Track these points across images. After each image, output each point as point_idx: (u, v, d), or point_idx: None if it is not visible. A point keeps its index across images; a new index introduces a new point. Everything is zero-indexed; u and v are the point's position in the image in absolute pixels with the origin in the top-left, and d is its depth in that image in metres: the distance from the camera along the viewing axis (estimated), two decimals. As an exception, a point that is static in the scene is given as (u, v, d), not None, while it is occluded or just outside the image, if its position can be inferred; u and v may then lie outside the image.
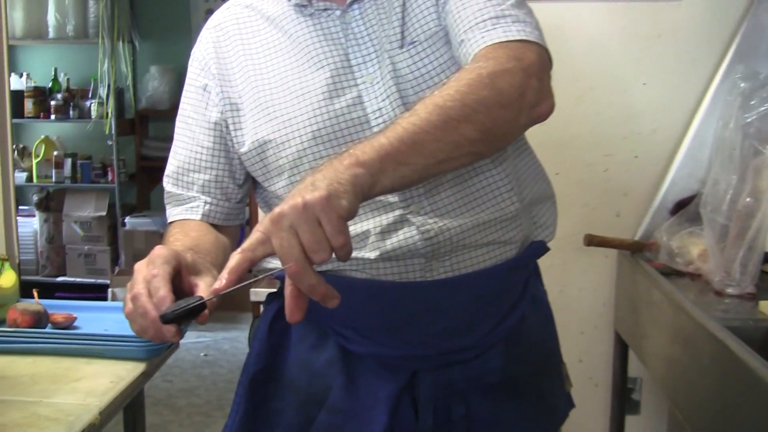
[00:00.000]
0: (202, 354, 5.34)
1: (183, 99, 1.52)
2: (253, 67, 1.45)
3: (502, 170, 1.44)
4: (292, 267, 1.01)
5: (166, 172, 1.52)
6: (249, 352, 1.57)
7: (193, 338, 5.54)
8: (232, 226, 1.54)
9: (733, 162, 2.43)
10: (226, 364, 5.18)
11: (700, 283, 2.45)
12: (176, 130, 1.53)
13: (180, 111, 1.52)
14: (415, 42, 1.38)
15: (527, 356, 1.53)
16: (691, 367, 2.11)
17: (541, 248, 1.55)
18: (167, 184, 1.52)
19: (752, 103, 2.46)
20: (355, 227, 1.38)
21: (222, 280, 1.08)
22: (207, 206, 1.49)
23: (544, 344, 1.60)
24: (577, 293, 3.06)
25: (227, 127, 1.47)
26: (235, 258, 1.08)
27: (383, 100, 1.38)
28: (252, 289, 3.55)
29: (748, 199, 2.34)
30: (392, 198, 1.38)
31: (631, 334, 2.77)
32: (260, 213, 1.70)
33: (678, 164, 2.84)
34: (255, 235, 1.07)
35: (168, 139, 6.39)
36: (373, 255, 1.38)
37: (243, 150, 1.45)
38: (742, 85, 2.53)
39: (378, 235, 1.38)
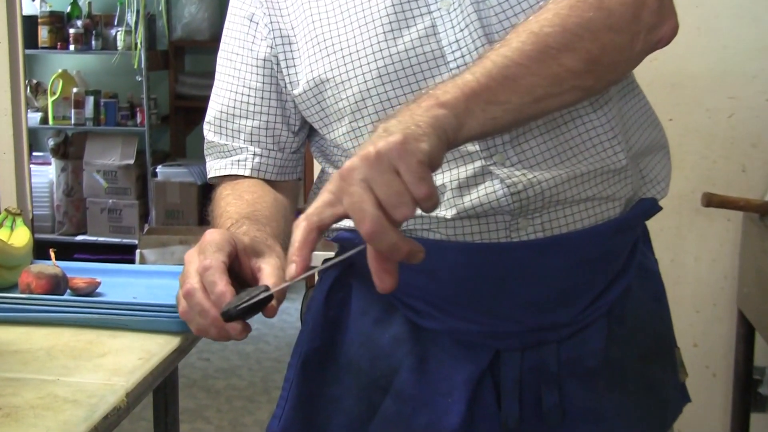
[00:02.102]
0: (244, 328, 5.41)
1: (226, 31, 1.53)
2: None
3: (603, 114, 1.42)
4: (367, 226, 1.01)
5: (207, 118, 1.53)
6: (301, 329, 1.57)
7: (234, 310, 5.60)
8: (289, 181, 1.55)
9: None
10: (273, 341, 5.24)
11: None
12: (218, 68, 1.53)
13: (222, 45, 1.53)
14: None
15: (633, 337, 1.51)
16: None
17: (652, 207, 1.53)
18: (208, 132, 1.53)
19: None
20: (435, 179, 1.37)
21: (292, 264, 1.08)
22: (257, 158, 1.50)
23: (653, 323, 1.57)
24: (693, 264, 3.03)
25: (278, 64, 1.47)
26: (300, 230, 1.08)
27: (461, 31, 1.36)
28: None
29: None
30: (471, 147, 1.37)
31: (758, 314, 2.74)
32: (315, 166, 1.70)
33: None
34: (322, 196, 1.07)
35: (208, 74, 6.44)
36: (449, 213, 1.38)
37: (297, 91, 1.45)
38: None
39: (455, 190, 1.38)
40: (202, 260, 1.15)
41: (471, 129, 1.12)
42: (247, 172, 1.50)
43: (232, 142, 1.51)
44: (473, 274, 1.40)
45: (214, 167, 1.52)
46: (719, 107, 2.94)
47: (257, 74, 1.49)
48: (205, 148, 1.54)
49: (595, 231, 1.43)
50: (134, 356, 1.74)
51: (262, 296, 1.11)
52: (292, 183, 1.56)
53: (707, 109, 2.95)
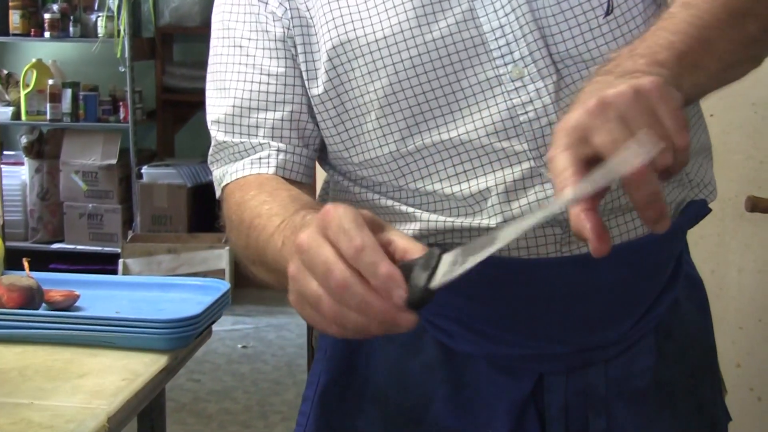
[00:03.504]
0: (239, 346, 5.42)
1: (225, 15, 1.49)
2: None
3: None
4: (635, 166, 0.97)
5: (214, 117, 1.47)
6: (317, 357, 1.56)
7: (228, 325, 5.61)
8: (310, 186, 1.48)
9: None
10: (272, 360, 5.24)
11: None
12: (221, 58, 1.49)
13: (222, 32, 1.49)
14: None
15: (682, 353, 1.52)
16: None
17: (702, 210, 1.55)
18: (218, 132, 1.47)
19: None
20: (469, 184, 1.37)
21: (594, 237, 1.01)
22: (281, 155, 1.43)
23: (701, 337, 1.59)
24: (736, 275, 3.03)
25: (295, 47, 1.43)
26: (561, 159, 1.03)
27: (506, 15, 1.35)
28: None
29: None
30: (519, 146, 1.36)
31: (808, 331, 2.73)
32: (318, 179, 1.67)
33: None
34: (560, 134, 1.04)
35: (199, 65, 6.44)
36: (494, 222, 1.37)
37: (315, 84, 1.42)
38: None
39: (501, 195, 1.36)
40: (346, 241, 1.00)
41: (682, 94, 1.12)
42: (271, 171, 1.42)
43: (249, 139, 1.44)
44: (517, 294, 1.40)
45: (230, 171, 1.45)
46: (767, 101, 2.94)
47: (276, 58, 1.44)
48: (212, 153, 1.48)
49: (647, 240, 1.43)
50: (117, 377, 1.75)
51: (470, 264, 0.99)
52: (312, 188, 1.50)
53: (753, 103, 2.94)
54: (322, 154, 1.52)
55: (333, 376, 1.52)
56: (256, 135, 1.44)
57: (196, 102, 6.04)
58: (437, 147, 1.37)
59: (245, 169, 1.43)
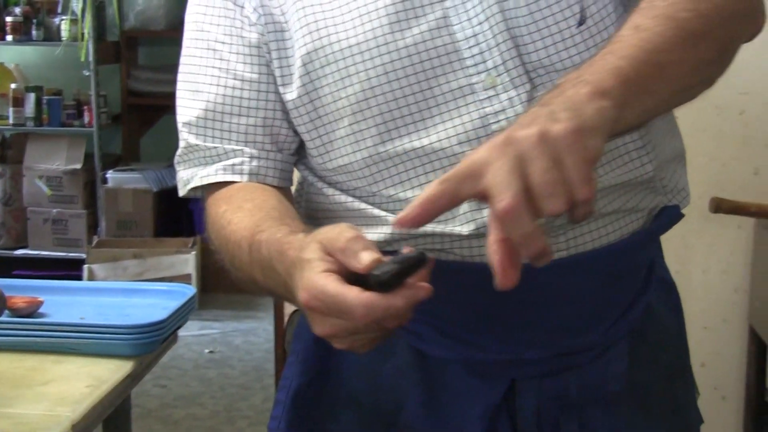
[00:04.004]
0: (206, 351, 5.41)
1: (200, 18, 1.48)
2: None
3: None
4: (507, 202, 0.99)
5: (185, 119, 1.47)
6: (289, 360, 1.56)
7: (195, 330, 5.60)
8: (286, 189, 1.49)
9: None
10: (239, 365, 5.23)
11: None
12: (193, 60, 1.48)
13: (195, 34, 1.48)
14: None
15: (657, 356, 1.53)
16: None
17: (677, 215, 1.55)
18: (189, 135, 1.46)
19: None
20: None
21: (411, 210, 1.06)
22: (255, 161, 1.44)
23: (674, 339, 1.60)
24: (701, 276, 3.05)
25: (270, 53, 1.44)
26: (432, 188, 1.06)
27: (479, 24, 1.36)
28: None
29: None
30: None
31: (772, 331, 2.75)
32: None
33: None
34: (463, 164, 1.05)
35: (165, 68, 6.43)
36: (466, 229, 1.37)
37: (289, 90, 1.42)
38: None
39: (473, 203, 1.36)
40: (319, 267, 1.10)
41: (625, 123, 1.13)
42: (245, 178, 1.44)
43: (222, 144, 1.44)
44: (492, 299, 1.39)
45: (199, 174, 1.45)
46: (730, 103, 2.96)
47: (251, 63, 1.44)
48: (180, 154, 1.48)
49: (621, 245, 1.45)
50: (81, 384, 1.74)
51: (413, 257, 1.07)
52: (289, 192, 1.51)
53: (717, 106, 2.96)
54: (298, 155, 1.52)
55: (306, 379, 1.52)
56: (229, 140, 1.44)
57: (162, 106, 6.03)
58: (410, 154, 1.37)
59: (217, 174, 1.44)
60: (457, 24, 1.36)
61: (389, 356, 1.47)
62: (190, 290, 2.22)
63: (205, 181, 1.44)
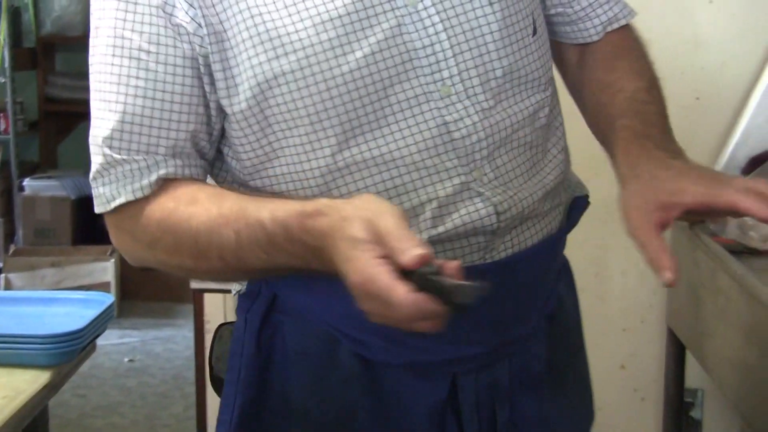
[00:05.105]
0: (126, 359, 5.37)
1: (119, 24, 1.42)
2: None
3: (560, 124, 1.58)
4: None
5: (104, 133, 1.41)
6: (227, 378, 1.52)
7: (114, 339, 5.56)
8: None
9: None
10: (158, 373, 5.20)
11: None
12: (109, 69, 1.42)
13: (112, 42, 1.42)
14: None
15: (565, 334, 1.63)
16: (768, 374, 2.12)
17: (585, 204, 1.64)
18: (105, 147, 1.41)
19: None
20: (401, 200, 1.40)
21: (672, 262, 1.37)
22: (186, 170, 1.42)
23: (575, 315, 1.69)
24: (619, 278, 3.07)
25: (208, 66, 1.39)
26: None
27: (436, 34, 1.39)
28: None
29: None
30: (449, 162, 1.40)
31: (689, 332, 2.78)
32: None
33: (753, 109, 2.85)
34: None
35: (82, 75, 6.32)
36: (426, 236, 1.40)
37: (236, 100, 1.39)
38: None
39: (435, 210, 1.40)
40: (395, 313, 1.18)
41: None
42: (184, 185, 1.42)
43: (146, 157, 1.40)
44: None
45: (131, 189, 1.41)
46: (645, 107, 2.99)
47: (183, 75, 1.39)
48: (99, 170, 1.43)
49: (552, 239, 1.54)
50: (-3, 394, 1.72)
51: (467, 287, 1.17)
52: None
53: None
54: (214, 167, 1.51)
55: (249, 397, 1.50)
56: (156, 153, 1.40)
57: (80, 113, 5.94)
58: (368, 162, 1.39)
59: (151, 187, 1.40)
60: (413, 32, 1.38)
61: (333, 366, 1.47)
62: (108, 298, 2.21)
63: (139, 195, 1.40)
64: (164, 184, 1.40)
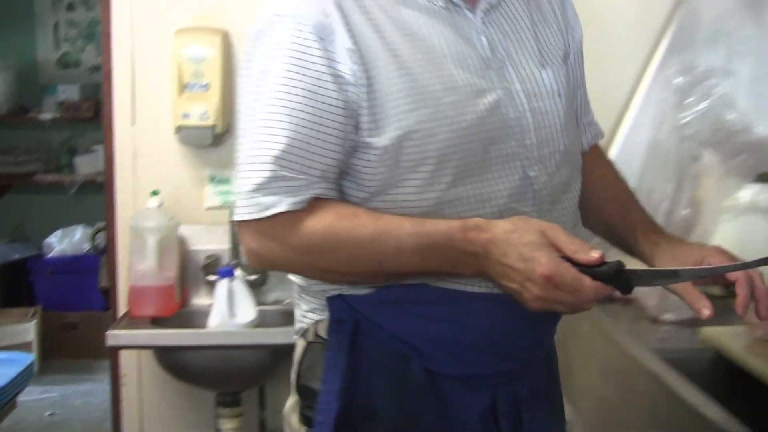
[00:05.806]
0: (46, 414, 5.32)
1: (292, 68, 1.62)
2: (386, 47, 1.65)
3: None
4: None
5: (268, 152, 1.61)
6: (326, 389, 1.71)
7: (36, 395, 5.52)
8: None
9: (668, 169, 2.61)
10: (78, 425, 5.17)
11: (634, 309, 2.59)
12: (281, 102, 1.62)
13: (285, 81, 1.62)
14: (551, 63, 1.79)
15: (551, 356, 1.90)
16: (626, 407, 2.26)
17: None
18: (274, 164, 1.61)
19: (688, 101, 2.66)
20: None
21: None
22: (331, 192, 1.65)
23: (554, 349, 1.94)
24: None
25: (358, 111, 1.63)
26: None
27: (523, 113, 1.70)
28: (109, 331, 3.44)
29: (685, 211, 2.54)
30: (525, 208, 1.69)
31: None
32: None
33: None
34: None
35: (4, 150, 6.23)
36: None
37: (380, 140, 1.63)
38: (677, 80, 2.72)
39: None
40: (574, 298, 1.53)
41: None
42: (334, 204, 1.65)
43: (306, 177, 1.61)
44: (495, 323, 1.70)
45: (288, 201, 1.61)
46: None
47: (337, 114, 1.62)
48: (262, 183, 1.61)
49: None
50: None
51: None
52: None
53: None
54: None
55: (343, 403, 1.69)
56: (308, 174, 1.62)
57: (4, 185, 5.91)
58: (469, 199, 1.66)
59: (307, 202, 1.62)
60: (509, 106, 1.69)
61: (406, 380, 1.71)
62: (28, 358, 2.22)
63: (297, 207, 1.61)
64: (314, 201, 1.63)
